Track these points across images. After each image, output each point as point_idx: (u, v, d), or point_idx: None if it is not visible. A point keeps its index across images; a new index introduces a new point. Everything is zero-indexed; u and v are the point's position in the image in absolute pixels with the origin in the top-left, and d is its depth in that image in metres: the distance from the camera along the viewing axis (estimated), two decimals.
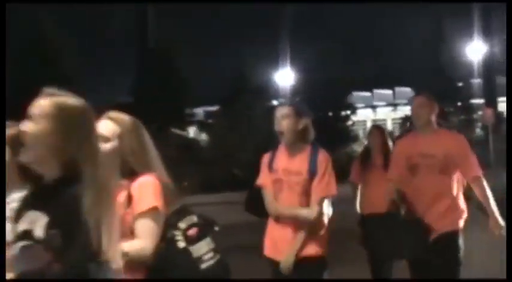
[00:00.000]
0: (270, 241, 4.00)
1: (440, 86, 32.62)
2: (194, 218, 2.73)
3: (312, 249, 3.86)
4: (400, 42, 49.61)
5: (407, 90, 43.14)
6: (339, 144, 31.61)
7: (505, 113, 34.94)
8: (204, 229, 2.72)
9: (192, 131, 33.68)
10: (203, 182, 23.43)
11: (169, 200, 2.73)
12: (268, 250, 4.02)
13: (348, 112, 36.21)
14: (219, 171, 24.59)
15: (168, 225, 2.67)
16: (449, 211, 4.33)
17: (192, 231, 2.67)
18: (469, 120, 35.95)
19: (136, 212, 2.65)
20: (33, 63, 25.87)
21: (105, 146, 2.68)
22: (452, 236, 4.31)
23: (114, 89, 32.35)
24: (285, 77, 35.11)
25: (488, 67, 32.72)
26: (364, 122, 41.00)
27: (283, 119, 3.89)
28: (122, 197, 2.65)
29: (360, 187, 5.79)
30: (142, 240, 2.62)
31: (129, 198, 2.68)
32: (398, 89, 45.59)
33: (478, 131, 34.86)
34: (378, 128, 6.02)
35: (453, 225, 4.33)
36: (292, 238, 3.86)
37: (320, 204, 3.83)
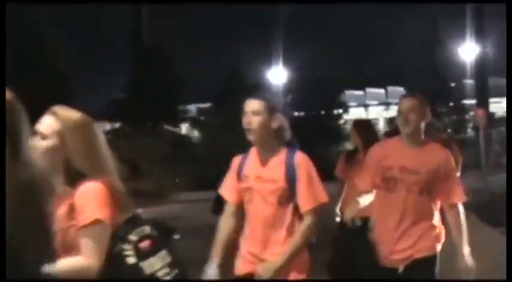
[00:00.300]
0: (243, 259, 3.39)
1: (433, 86, 32.75)
2: (147, 229, 2.41)
3: (293, 273, 3.27)
4: (394, 42, 49.73)
5: (400, 90, 43.24)
6: (331, 143, 31.66)
7: (496, 114, 35.08)
8: (159, 241, 2.41)
9: (184, 128, 33.62)
10: (195, 179, 23.37)
11: (121, 209, 2.44)
12: (240, 268, 3.39)
13: (341, 111, 36.26)
14: (211, 169, 24.57)
15: (116, 238, 2.36)
16: (426, 236, 3.74)
17: (144, 244, 2.36)
18: (461, 121, 36.06)
19: (78, 225, 2.36)
20: (32, 63, 25.75)
21: (41, 144, 2.43)
22: (429, 261, 3.75)
23: (114, 89, 32.23)
24: (278, 75, 35.08)
25: (481, 68, 32.79)
26: None
27: (254, 116, 3.28)
28: (64, 206, 2.38)
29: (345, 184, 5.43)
30: (85, 257, 2.32)
31: (72, 208, 2.38)
32: (391, 88, 45.64)
33: (469, 131, 34.98)
34: (358, 124, 5.66)
35: (429, 250, 3.75)
36: (271, 255, 3.27)
37: (313, 215, 3.26)
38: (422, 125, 3.76)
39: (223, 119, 26.96)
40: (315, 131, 31.32)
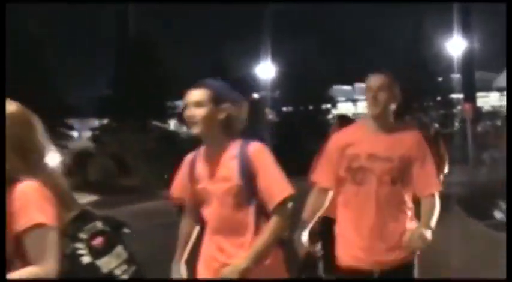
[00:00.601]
0: (207, 265, 2.97)
1: (420, 81, 32.89)
2: (98, 225, 2.25)
3: (267, 274, 2.83)
4: (381, 37, 49.86)
5: None
6: (319, 138, 31.69)
7: (483, 108, 35.33)
8: (113, 237, 2.25)
9: (172, 124, 33.59)
10: None
11: (67, 206, 2.23)
12: (204, 275, 2.97)
13: (329, 106, 36.35)
14: None
15: (66, 238, 2.17)
16: (405, 236, 3.26)
17: (97, 242, 2.21)
18: (448, 115, 36.26)
19: (16, 231, 2.11)
20: (19, 59, 25.64)
21: None
22: (408, 268, 3.32)
23: (102, 85, 32.28)
24: (266, 70, 35.12)
25: (468, 62, 32.98)
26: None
27: (196, 108, 2.86)
28: None
29: None
30: (40, 266, 2.09)
31: (9, 213, 2.13)
32: None
33: (457, 125, 35.19)
34: (342, 119, 5.40)
35: (410, 254, 3.30)
36: (237, 255, 2.83)
37: (281, 210, 2.80)
38: (392, 106, 3.34)
39: None
40: (303, 126, 31.39)
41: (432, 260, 3.90)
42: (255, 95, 34.57)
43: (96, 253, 2.19)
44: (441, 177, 8.00)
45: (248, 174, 2.82)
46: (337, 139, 3.43)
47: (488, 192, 11.46)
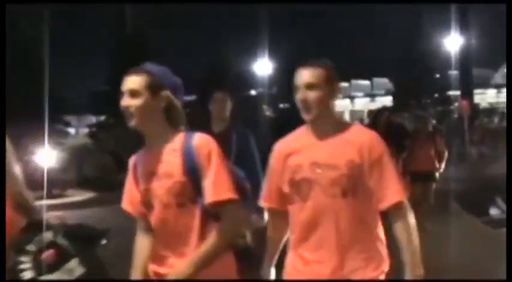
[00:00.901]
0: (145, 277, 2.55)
1: (417, 78, 32.96)
2: (49, 236, 2.02)
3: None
4: (379, 33, 49.86)
5: (385, 81, 43.57)
6: None
7: (480, 105, 35.41)
8: (68, 250, 2.01)
9: None
10: None
11: (24, 214, 1.96)
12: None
13: None
14: None
15: (11, 250, 1.91)
16: (368, 259, 2.61)
17: (47, 255, 2.00)
18: (446, 112, 36.35)
19: None
20: (14, 56, 25.62)
21: None
22: None
23: (98, 82, 32.48)
24: (263, 66, 35.16)
25: (465, 59, 33.02)
26: (342, 112, 41.30)
27: (132, 98, 2.46)
28: None
29: None
30: None
31: None
32: (376, 80, 45.84)
33: (454, 121, 35.29)
34: None
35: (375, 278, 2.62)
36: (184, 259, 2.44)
37: (230, 209, 2.42)
38: (332, 104, 2.68)
39: (208, 111, 27.00)
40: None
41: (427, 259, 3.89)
42: (253, 92, 34.65)
43: (43, 268, 1.91)
44: (437, 174, 8.10)
45: (192, 170, 2.41)
46: (278, 149, 2.78)
47: (481, 188, 11.49)
